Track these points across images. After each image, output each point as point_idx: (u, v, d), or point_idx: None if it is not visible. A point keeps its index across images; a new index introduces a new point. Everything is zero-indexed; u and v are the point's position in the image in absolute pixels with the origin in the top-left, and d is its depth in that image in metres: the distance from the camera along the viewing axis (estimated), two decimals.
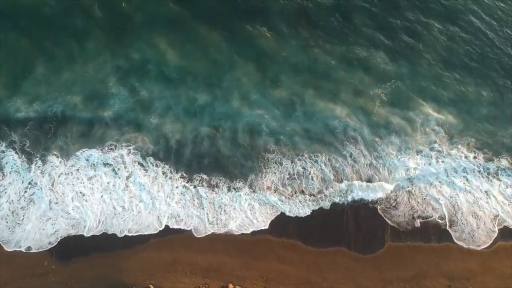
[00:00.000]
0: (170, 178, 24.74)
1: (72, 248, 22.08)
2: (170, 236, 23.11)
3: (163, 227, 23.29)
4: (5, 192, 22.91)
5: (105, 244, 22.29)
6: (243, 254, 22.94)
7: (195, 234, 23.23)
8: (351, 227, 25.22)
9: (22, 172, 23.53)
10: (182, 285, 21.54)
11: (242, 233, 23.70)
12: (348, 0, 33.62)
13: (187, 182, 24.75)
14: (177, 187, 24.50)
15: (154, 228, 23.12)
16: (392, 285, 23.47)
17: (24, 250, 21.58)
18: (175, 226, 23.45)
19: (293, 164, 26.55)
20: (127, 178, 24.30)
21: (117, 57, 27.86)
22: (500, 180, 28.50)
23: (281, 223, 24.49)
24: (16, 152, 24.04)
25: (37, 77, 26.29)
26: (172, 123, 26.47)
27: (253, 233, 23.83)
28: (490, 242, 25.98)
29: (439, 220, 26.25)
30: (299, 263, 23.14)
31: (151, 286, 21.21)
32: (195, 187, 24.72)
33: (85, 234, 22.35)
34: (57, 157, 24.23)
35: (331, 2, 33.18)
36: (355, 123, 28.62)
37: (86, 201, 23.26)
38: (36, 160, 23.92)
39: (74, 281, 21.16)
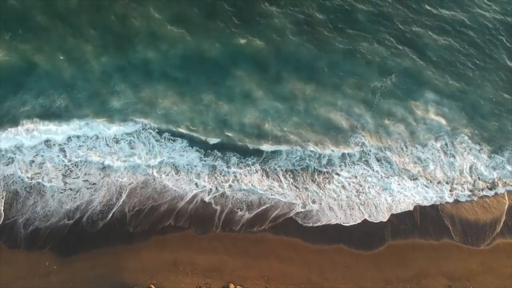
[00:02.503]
0: (187, 151, 25.32)
1: (73, 247, 22.06)
2: (171, 235, 23.09)
3: (192, 195, 24.21)
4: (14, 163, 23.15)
5: (107, 243, 22.28)
6: (244, 254, 23.00)
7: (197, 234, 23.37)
8: (351, 226, 25.31)
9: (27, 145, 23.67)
10: (183, 285, 21.63)
11: (243, 232, 23.78)
12: None
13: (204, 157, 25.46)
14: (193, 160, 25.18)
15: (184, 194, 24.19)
16: (392, 285, 23.65)
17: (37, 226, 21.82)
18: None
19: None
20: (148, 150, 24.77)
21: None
22: None
23: (282, 221, 24.63)
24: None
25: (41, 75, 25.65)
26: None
27: (253, 232, 23.89)
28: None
29: None
30: (299, 262, 23.24)
31: (152, 286, 21.30)
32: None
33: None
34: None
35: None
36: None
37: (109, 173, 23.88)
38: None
39: (76, 281, 21.17)
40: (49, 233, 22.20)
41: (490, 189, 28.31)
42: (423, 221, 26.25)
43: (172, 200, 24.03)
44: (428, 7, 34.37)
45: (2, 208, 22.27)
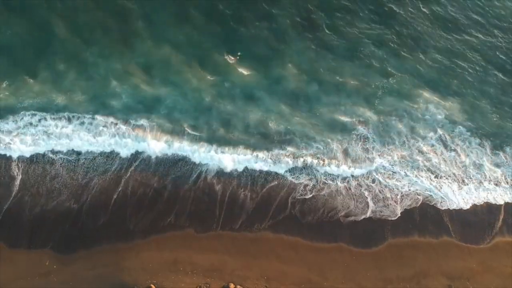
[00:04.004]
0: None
1: (74, 247, 22.01)
2: (171, 233, 23.03)
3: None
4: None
5: (107, 243, 22.23)
6: (244, 254, 22.99)
7: None
8: (350, 224, 25.30)
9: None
10: (183, 285, 21.63)
11: (243, 231, 23.74)
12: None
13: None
14: None
15: None
16: (392, 284, 23.71)
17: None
18: None
19: None
20: None
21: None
22: None
23: (283, 219, 24.62)
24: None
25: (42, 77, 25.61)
26: None
27: (253, 230, 23.88)
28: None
29: None
30: (299, 262, 23.26)
31: (152, 285, 21.30)
32: None
33: None
34: None
35: (335, 2, 32.71)
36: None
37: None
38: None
39: (76, 280, 21.13)
40: (54, 221, 22.12)
41: (496, 185, 28.43)
42: (422, 219, 26.33)
43: (178, 180, 24.21)
44: (424, 9, 34.42)
45: (20, 177, 22.61)
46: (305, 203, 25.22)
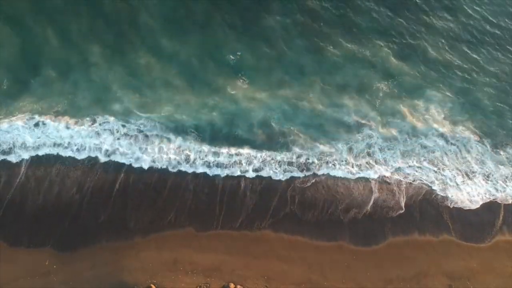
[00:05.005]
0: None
1: (73, 246, 21.96)
2: (171, 233, 22.98)
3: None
4: None
5: (107, 242, 22.18)
6: (244, 253, 22.93)
7: None
8: (351, 222, 25.24)
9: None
10: (183, 285, 21.60)
11: (243, 230, 23.68)
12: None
13: None
14: None
15: None
16: (392, 284, 23.67)
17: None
18: None
19: None
20: None
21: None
22: None
23: (283, 218, 24.57)
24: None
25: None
26: None
27: (253, 229, 23.82)
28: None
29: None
30: (300, 261, 23.21)
31: (152, 285, 21.27)
32: None
33: None
34: None
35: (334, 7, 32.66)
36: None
37: None
38: None
39: (76, 280, 21.09)
40: (56, 212, 22.20)
41: (502, 184, 28.48)
42: (422, 217, 26.28)
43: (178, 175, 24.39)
44: (424, 16, 34.44)
45: (27, 166, 22.91)
46: (305, 194, 25.26)
